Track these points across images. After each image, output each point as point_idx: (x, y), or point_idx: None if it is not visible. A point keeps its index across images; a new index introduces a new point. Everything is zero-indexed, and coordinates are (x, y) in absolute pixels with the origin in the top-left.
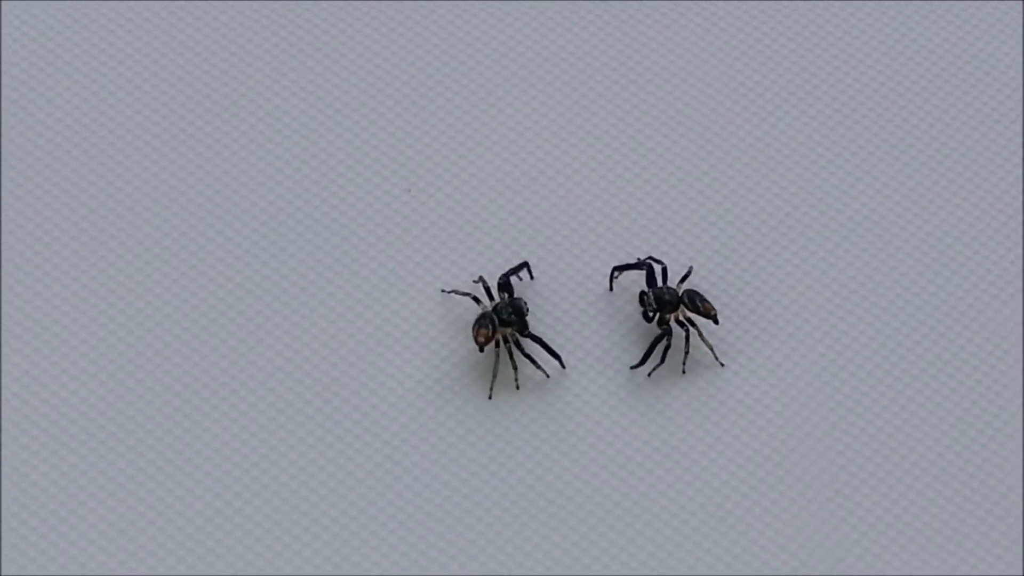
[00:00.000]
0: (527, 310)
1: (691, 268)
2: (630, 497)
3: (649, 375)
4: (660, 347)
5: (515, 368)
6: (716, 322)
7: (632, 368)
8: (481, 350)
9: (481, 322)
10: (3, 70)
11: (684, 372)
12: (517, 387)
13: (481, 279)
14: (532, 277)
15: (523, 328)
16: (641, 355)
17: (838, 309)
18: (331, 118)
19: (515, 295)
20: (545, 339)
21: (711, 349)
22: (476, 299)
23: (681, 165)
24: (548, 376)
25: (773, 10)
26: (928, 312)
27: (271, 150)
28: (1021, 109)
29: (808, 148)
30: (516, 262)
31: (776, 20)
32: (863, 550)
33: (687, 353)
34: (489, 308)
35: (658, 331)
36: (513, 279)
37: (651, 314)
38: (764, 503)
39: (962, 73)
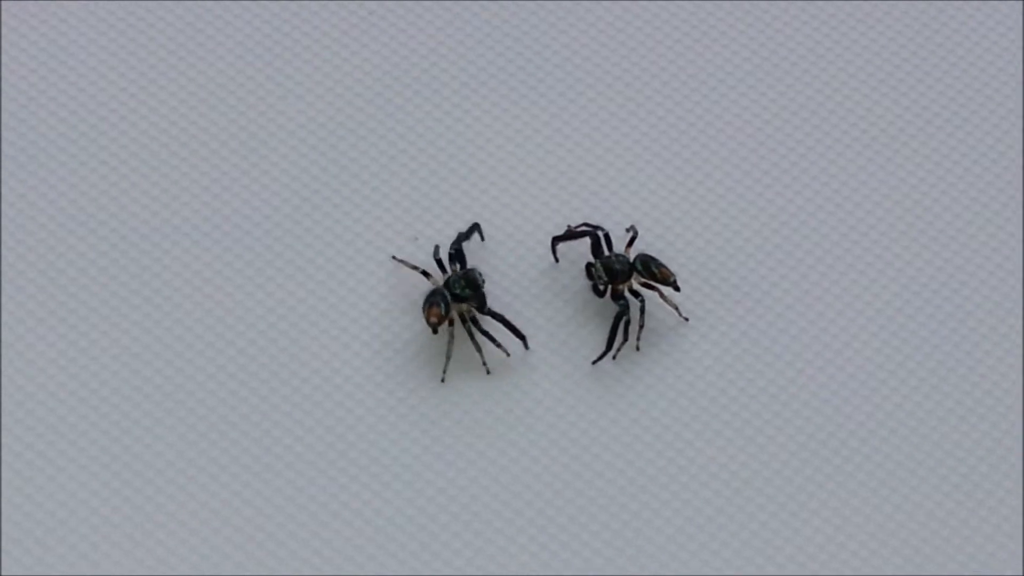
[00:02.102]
0: (483, 282)
1: (635, 229)
2: (598, 485)
3: (614, 358)
4: (621, 324)
5: (479, 349)
6: (676, 288)
7: (594, 363)
8: (435, 331)
9: (432, 299)
10: (3, 70)
11: (638, 349)
12: (487, 371)
13: (436, 249)
14: (483, 239)
15: (481, 304)
16: (605, 341)
17: (801, 272)
18: (281, 72)
19: (468, 266)
20: (505, 315)
21: (675, 308)
22: (426, 273)
23: (635, 125)
24: (508, 355)
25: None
26: (897, 272)
27: (223, 113)
28: (1021, 109)
29: (763, 117)
30: (464, 226)
31: (765, 13)
32: (854, 546)
33: (642, 327)
34: (440, 283)
35: (616, 307)
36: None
37: (602, 287)
38: (744, 489)
39: (962, 73)
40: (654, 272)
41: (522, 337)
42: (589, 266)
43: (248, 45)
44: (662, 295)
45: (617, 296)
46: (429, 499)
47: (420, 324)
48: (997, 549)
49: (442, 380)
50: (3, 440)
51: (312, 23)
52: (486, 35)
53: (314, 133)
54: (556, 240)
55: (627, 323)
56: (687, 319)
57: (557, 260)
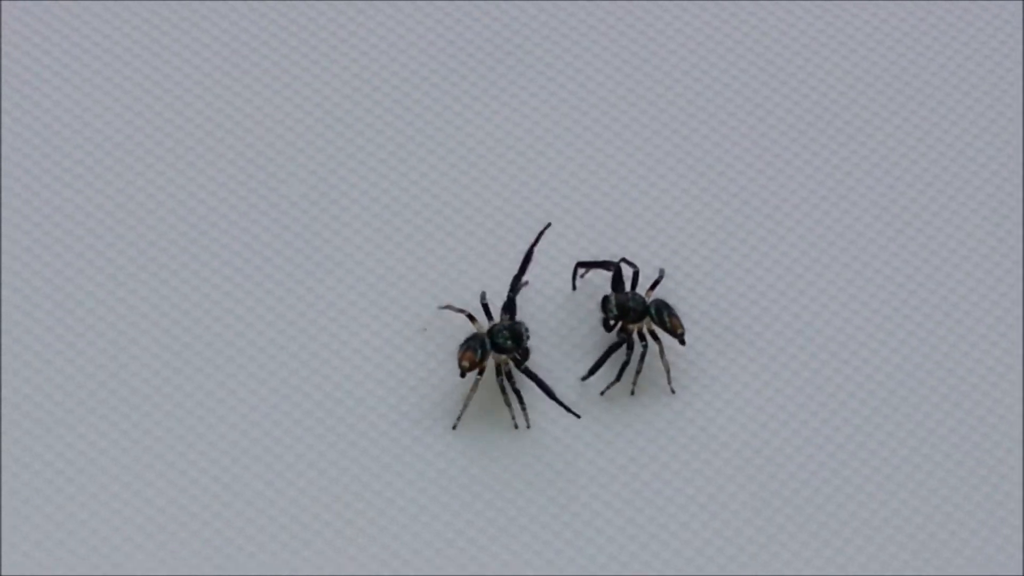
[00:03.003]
0: (527, 336)
1: (662, 272)
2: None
3: (602, 394)
4: (618, 361)
5: (509, 404)
6: (682, 342)
7: (582, 379)
8: (462, 375)
9: (470, 343)
10: (3, 70)
11: (633, 393)
12: (515, 426)
13: (483, 295)
14: (527, 283)
15: (522, 357)
16: (610, 370)
17: (818, 338)
18: (320, 108)
19: (517, 319)
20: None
21: (667, 372)
22: (471, 317)
23: (682, 175)
24: (529, 427)
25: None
26: (913, 334)
27: (260, 151)
28: (1021, 109)
29: (801, 159)
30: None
31: (766, 16)
32: (854, 547)
33: (639, 372)
34: (484, 329)
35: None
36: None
37: (612, 322)
38: (744, 556)
39: (962, 73)
40: (664, 321)
41: (560, 402)
42: (605, 299)
43: (264, 52)
44: (662, 351)
45: (624, 333)
46: (428, 537)
47: (446, 369)
48: (997, 549)
49: (454, 427)
50: (3, 440)
51: (338, 22)
52: (532, 81)
53: (355, 171)
54: (580, 265)
55: (623, 364)
56: (673, 391)
57: (575, 287)
